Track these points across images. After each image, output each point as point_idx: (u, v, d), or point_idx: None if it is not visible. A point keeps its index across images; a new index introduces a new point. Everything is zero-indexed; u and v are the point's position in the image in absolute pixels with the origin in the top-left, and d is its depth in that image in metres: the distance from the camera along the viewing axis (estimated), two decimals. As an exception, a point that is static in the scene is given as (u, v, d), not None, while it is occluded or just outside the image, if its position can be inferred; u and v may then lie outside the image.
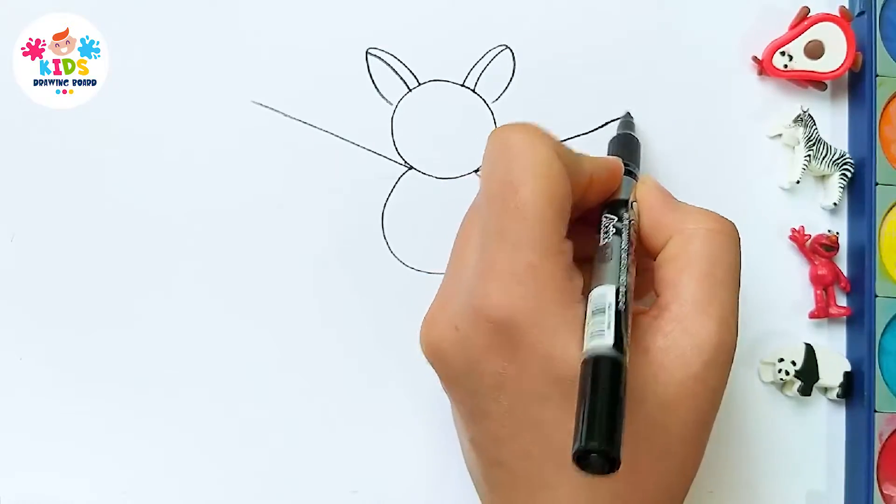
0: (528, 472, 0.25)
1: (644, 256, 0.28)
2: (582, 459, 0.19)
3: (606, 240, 0.26)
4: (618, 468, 0.19)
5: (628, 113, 0.36)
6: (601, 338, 0.22)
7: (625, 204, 0.28)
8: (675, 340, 0.25)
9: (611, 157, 0.31)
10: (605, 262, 0.25)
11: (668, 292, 0.26)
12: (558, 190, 0.25)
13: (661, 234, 0.27)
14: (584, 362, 0.21)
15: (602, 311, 0.23)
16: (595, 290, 0.24)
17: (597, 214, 0.28)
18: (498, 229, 0.25)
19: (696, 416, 0.25)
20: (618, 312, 0.22)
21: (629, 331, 0.23)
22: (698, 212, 0.27)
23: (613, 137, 0.35)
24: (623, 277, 0.24)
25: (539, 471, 0.25)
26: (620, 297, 0.23)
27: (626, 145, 0.33)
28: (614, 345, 0.21)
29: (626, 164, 0.30)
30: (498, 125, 0.36)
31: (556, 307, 0.24)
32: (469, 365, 0.25)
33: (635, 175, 0.31)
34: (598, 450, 0.19)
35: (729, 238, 0.26)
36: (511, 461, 0.25)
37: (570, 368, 0.22)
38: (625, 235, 0.26)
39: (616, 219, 0.27)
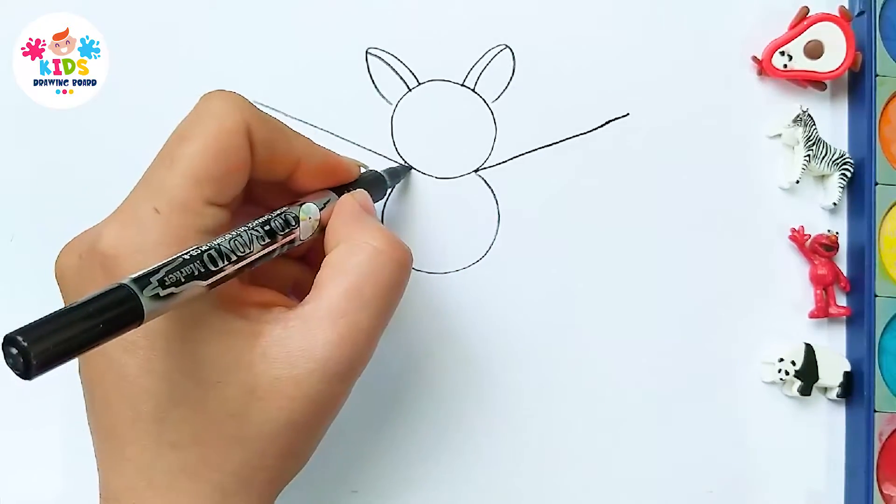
0: (108, 423, 0.24)
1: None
2: (7, 347, 0.17)
3: (258, 219, 0.25)
4: (32, 376, 0.17)
5: (406, 168, 0.35)
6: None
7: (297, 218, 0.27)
8: (291, 337, 0.24)
9: (339, 156, 0.30)
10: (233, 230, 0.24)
11: (314, 293, 0.25)
12: (227, 155, 0.25)
13: (334, 240, 0.27)
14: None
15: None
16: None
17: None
18: (147, 173, 0.25)
19: (285, 417, 0.24)
20: (177, 258, 0.21)
21: (186, 283, 0.21)
22: (376, 230, 0.27)
23: (382, 171, 0.33)
24: (223, 241, 0.23)
25: (115, 423, 0.24)
26: (197, 251, 0.22)
27: (374, 181, 0.32)
28: (136, 278, 0.20)
29: (351, 187, 0.29)
30: (498, 126, 0.36)
31: (166, 256, 0.22)
32: (78, 295, 0.24)
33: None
34: (16, 340, 0.17)
35: (392, 262, 0.26)
36: (96, 407, 0.25)
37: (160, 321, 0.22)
38: (273, 224, 0.26)
39: (287, 210, 0.26)
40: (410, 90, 0.36)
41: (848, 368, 0.36)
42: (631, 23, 0.37)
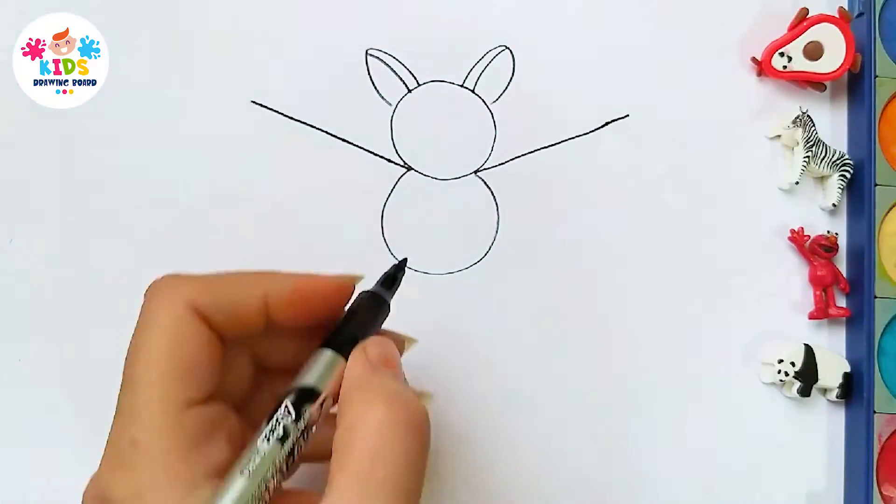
0: None
1: None
2: None
3: (265, 440, 0.22)
4: None
5: (403, 262, 0.28)
6: None
7: (311, 395, 0.23)
8: None
9: (313, 276, 0.25)
10: (241, 471, 0.22)
11: (327, 489, 0.22)
12: (181, 353, 0.23)
13: (341, 415, 0.23)
14: None
15: None
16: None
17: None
18: (118, 401, 0.23)
19: None
20: None
21: None
22: (378, 394, 0.23)
23: (363, 295, 0.27)
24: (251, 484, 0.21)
25: None
26: None
27: (368, 306, 0.26)
28: None
29: (342, 335, 0.25)
30: (498, 126, 0.36)
31: (163, 492, 0.21)
32: None
33: (346, 352, 0.24)
34: None
35: (403, 427, 0.22)
36: None
37: None
38: (287, 444, 0.22)
39: (294, 415, 0.23)
40: (410, 91, 0.36)
41: (847, 369, 0.36)
42: (631, 24, 0.37)
